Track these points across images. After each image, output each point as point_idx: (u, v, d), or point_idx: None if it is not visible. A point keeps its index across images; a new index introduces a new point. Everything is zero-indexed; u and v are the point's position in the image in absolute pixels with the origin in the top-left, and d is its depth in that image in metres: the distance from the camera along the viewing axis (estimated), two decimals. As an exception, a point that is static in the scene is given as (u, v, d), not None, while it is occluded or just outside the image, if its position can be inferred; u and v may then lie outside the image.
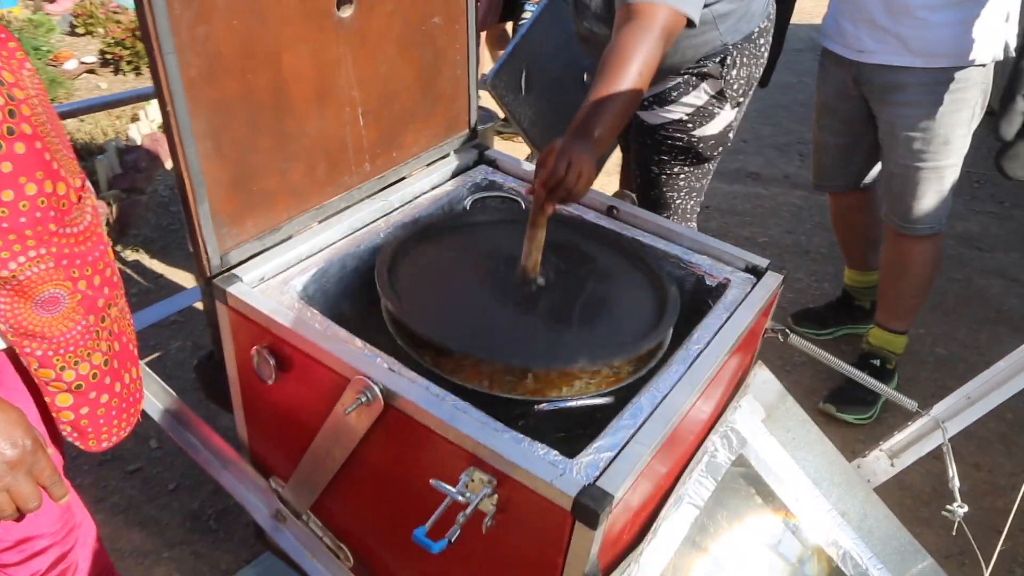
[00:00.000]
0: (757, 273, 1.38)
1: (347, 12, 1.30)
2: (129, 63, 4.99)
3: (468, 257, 1.38)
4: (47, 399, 0.99)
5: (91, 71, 5.04)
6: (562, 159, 1.22)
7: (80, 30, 5.53)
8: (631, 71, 1.31)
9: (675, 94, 1.66)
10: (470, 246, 1.40)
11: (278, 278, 1.27)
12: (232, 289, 1.22)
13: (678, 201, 1.83)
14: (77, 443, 1.04)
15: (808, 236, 3.21)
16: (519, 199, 1.56)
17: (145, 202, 3.38)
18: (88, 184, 1.11)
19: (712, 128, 1.71)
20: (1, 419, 0.89)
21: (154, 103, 4.17)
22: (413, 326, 1.15)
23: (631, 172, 1.98)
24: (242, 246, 1.27)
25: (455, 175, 1.60)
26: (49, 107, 1.02)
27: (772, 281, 1.36)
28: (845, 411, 2.23)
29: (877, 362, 2.30)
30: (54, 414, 1.01)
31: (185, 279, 2.88)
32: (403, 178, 1.53)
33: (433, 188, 1.55)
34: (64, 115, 2.31)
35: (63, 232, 0.95)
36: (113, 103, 2.70)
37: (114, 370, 1.05)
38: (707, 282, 1.40)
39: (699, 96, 1.65)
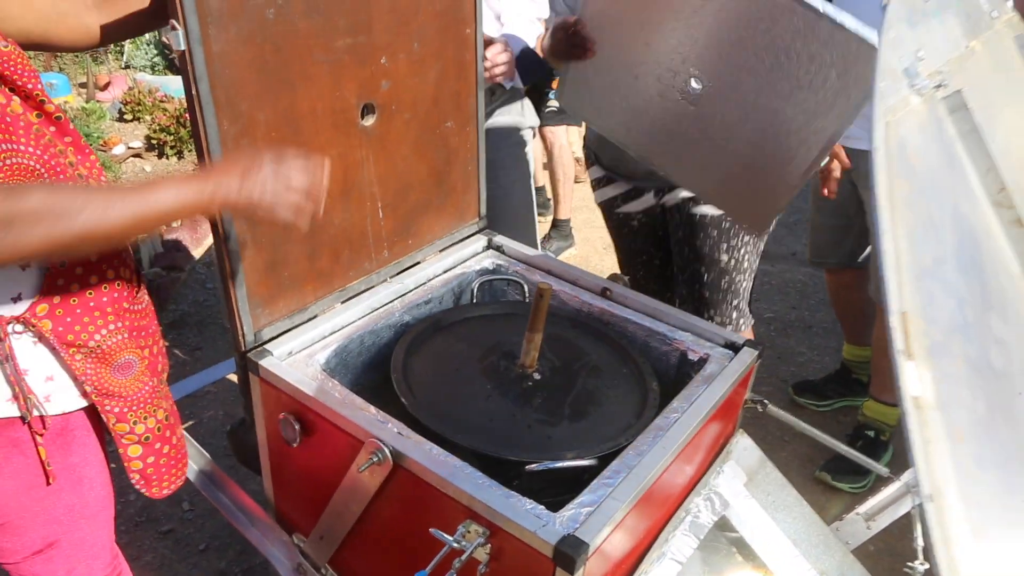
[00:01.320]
0: (735, 349, 1.52)
1: (370, 121, 1.50)
2: (172, 148, 5.34)
3: (473, 350, 1.53)
4: (120, 450, 1.16)
5: (137, 155, 5.39)
6: None
7: (128, 116, 5.92)
8: None
9: None
10: (476, 339, 1.56)
11: (304, 352, 1.44)
12: (264, 362, 1.39)
13: (745, 284, 1.98)
14: (143, 489, 1.21)
15: (812, 312, 3.35)
16: (522, 281, 1.73)
17: (184, 279, 3.61)
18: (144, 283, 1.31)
19: None
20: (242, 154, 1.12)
21: (195, 186, 4.46)
22: (424, 421, 1.29)
23: (677, 277, 2.12)
24: (273, 324, 1.45)
25: (465, 260, 1.78)
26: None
27: (747, 356, 1.50)
28: (840, 480, 2.33)
29: (872, 433, 2.40)
30: (125, 464, 1.18)
31: (219, 352, 3.07)
32: (417, 263, 1.71)
33: (445, 272, 1.73)
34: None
35: (133, 309, 1.13)
36: None
37: (171, 425, 1.22)
38: (689, 356, 1.54)
39: None
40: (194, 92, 1.21)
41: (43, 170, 1.01)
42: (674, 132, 1.73)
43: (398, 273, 1.67)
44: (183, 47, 1.18)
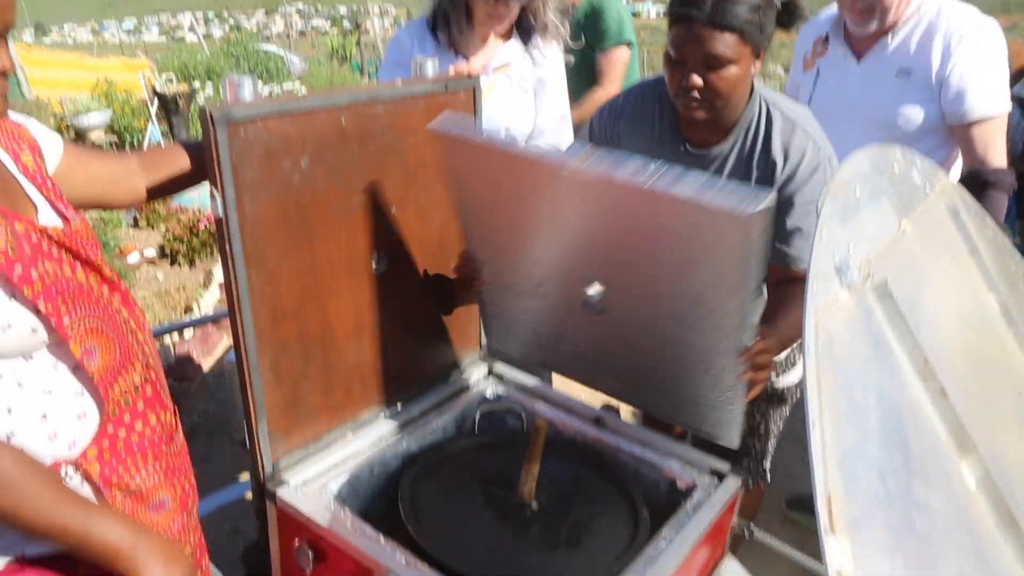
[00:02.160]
0: (720, 476, 1.63)
1: (382, 267, 1.65)
2: (185, 256, 5.54)
3: (475, 480, 1.63)
4: None
5: (151, 263, 5.59)
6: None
7: (142, 223, 6.16)
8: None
9: None
10: (477, 468, 1.66)
11: (318, 482, 1.55)
12: (281, 492, 1.50)
13: (760, 447, 1.98)
14: None
15: (802, 425, 3.43)
16: (521, 412, 1.85)
17: (194, 390, 3.73)
18: (176, 407, 1.43)
19: (794, 376, 1.89)
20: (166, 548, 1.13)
21: (206, 297, 4.63)
22: (430, 551, 1.38)
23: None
24: (290, 454, 1.56)
25: (467, 388, 1.90)
26: (154, 342, 1.36)
27: (732, 485, 1.60)
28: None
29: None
30: None
31: (227, 463, 3.15)
32: (423, 392, 1.84)
33: (448, 399, 1.85)
34: (158, 334, 2.71)
35: (170, 451, 1.25)
36: (196, 323, 3.10)
37: (198, 560, 1.32)
38: (678, 484, 1.65)
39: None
40: (228, 249, 1.37)
41: (106, 328, 1.15)
42: (599, 349, 1.60)
43: (405, 402, 1.80)
44: (221, 214, 1.34)
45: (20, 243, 1.04)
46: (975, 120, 2.03)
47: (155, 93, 7.34)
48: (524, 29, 2.17)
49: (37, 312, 1.06)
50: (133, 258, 5.50)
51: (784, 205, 1.61)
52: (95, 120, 8.02)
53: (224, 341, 4.16)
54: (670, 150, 1.73)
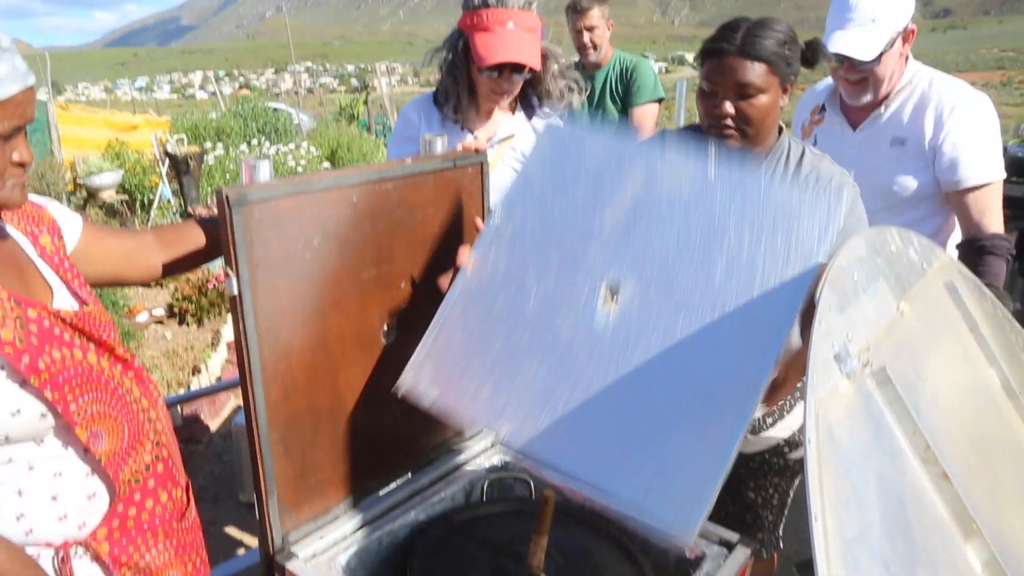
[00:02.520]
0: (729, 547, 1.63)
1: (391, 338, 1.68)
2: (193, 315, 5.58)
3: (484, 551, 1.63)
4: None
5: (159, 322, 5.63)
6: None
7: (151, 282, 6.22)
8: None
9: (769, 420, 1.90)
10: (486, 538, 1.66)
11: (327, 555, 1.55)
12: (290, 565, 1.50)
13: (772, 518, 1.98)
14: None
15: (812, 482, 3.41)
16: (529, 478, 1.86)
17: (201, 451, 3.73)
18: (189, 481, 1.45)
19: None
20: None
21: (214, 358, 4.65)
22: None
23: None
24: (299, 527, 1.57)
25: (475, 456, 1.91)
26: (168, 416, 1.39)
27: (742, 555, 1.60)
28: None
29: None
30: None
31: (234, 528, 3.14)
32: (432, 461, 1.85)
33: (457, 468, 1.86)
34: (170, 404, 2.75)
35: (182, 527, 1.26)
36: (206, 393, 3.13)
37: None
38: (687, 554, 1.64)
39: (797, 417, 1.84)
40: (241, 327, 1.40)
41: (115, 412, 1.18)
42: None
43: (414, 472, 1.81)
44: (236, 292, 1.37)
45: (28, 333, 1.07)
46: (969, 187, 2.08)
47: (167, 153, 7.48)
48: (528, 103, 2.24)
49: (45, 399, 1.09)
50: (142, 317, 5.55)
51: None
52: (107, 180, 8.17)
53: (232, 402, 4.18)
54: None
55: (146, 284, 6.07)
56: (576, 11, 3.72)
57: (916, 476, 0.89)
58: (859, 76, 2.13)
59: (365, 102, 16.38)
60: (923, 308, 1.18)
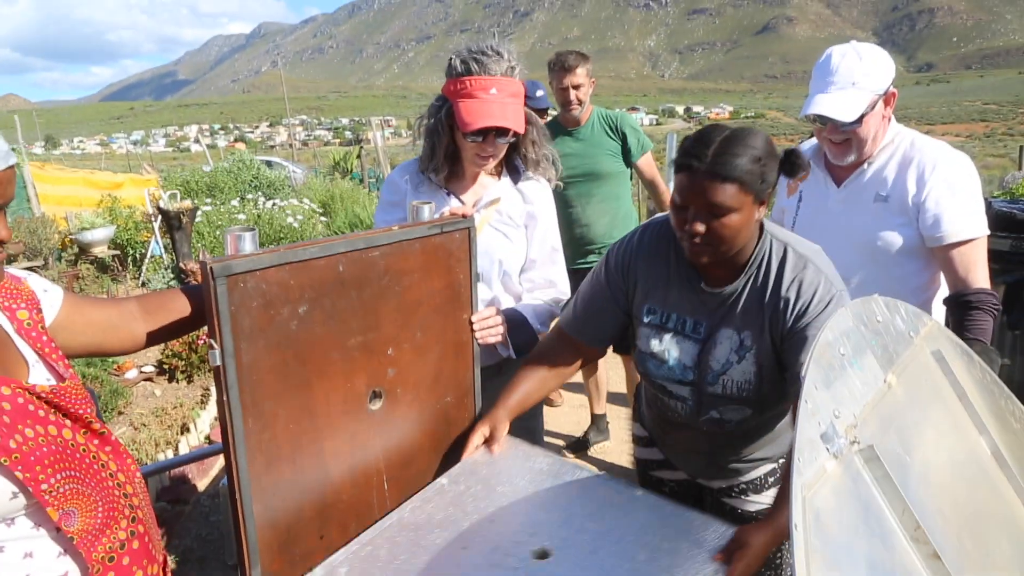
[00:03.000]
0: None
1: (377, 405, 1.67)
2: (183, 372, 5.54)
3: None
4: None
5: (148, 379, 5.58)
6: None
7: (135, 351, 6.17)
8: None
9: (771, 480, 1.93)
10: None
11: (310, 631, 1.51)
12: (272, 641, 1.46)
13: None
14: None
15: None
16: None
17: (188, 512, 3.66)
18: (166, 555, 1.41)
19: None
20: None
21: (203, 416, 4.60)
22: None
23: None
24: (282, 601, 1.53)
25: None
26: (148, 498, 1.36)
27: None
28: None
29: None
30: None
31: (218, 594, 3.07)
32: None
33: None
34: (148, 474, 2.71)
35: None
36: (189, 460, 3.08)
37: None
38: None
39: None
40: (225, 399, 1.39)
41: (89, 489, 1.16)
42: None
43: (400, 540, 1.77)
44: (219, 363, 1.36)
45: (0, 412, 1.06)
46: (954, 243, 2.10)
47: (159, 209, 7.52)
48: (513, 167, 2.25)
49: (16, 479, 1.07)
50: (131, 374, 5.50)
51: (798, 340, 1.65)
52: (99, 236, 8.18)
53: (220, 461, 4.12)
54: (687, 288, 1.79)
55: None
56: (563, 69, 3.78)
57: (906, 558, 0.88)
58: (842, 137, 2.17)
59: (359, 155, 16.55)
60: (911, 379, 1.18)
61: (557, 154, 2.32)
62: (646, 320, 1.87)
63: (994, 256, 4.41)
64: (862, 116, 2.10)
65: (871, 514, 0.87)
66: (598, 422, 4.41)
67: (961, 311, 2.10)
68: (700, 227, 1.59)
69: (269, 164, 16.43)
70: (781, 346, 1.70)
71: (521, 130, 2.05)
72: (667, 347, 1.84)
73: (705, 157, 1.56)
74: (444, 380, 1.84)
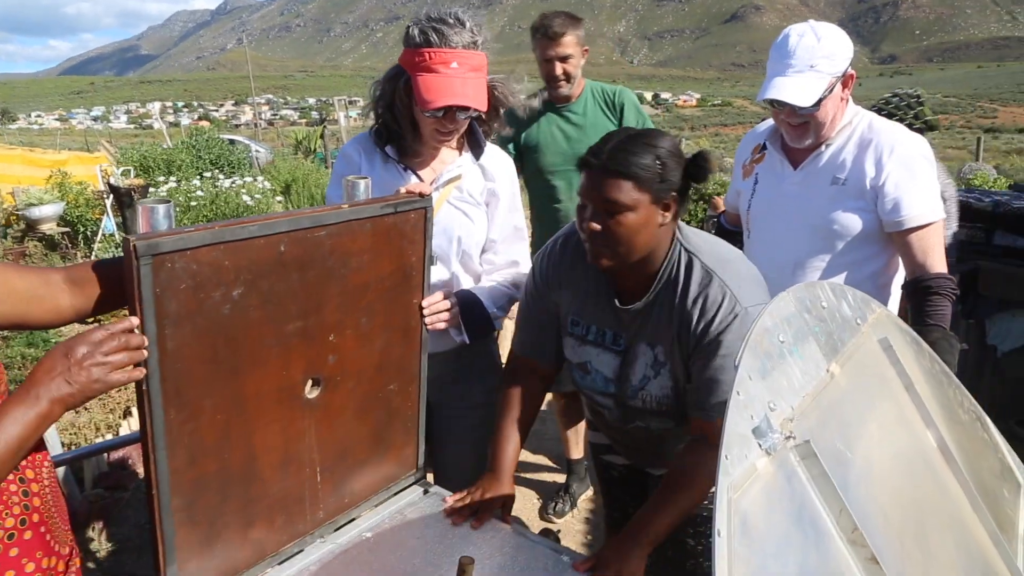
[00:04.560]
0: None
1: (314, 393, 1.59)
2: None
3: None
4: None
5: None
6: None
7: (89, 318, 5.98)
8: (699, 493, 1.56)
9: None
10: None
11: (234, 628, 1.44)
12: (191, 641, 1.38)
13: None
14: None
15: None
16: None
17: (128, 499, 3.54)
18: (76, 549, 1.32)
19: None
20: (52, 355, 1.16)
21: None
22: None
23: None
24: (205, 597, 1.45)
25: (401, 511, 1.81)
26: (56, 486, 1.27)
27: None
28: None
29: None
30: None
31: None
32: (353, 519, 1.74)
33: (380, 525, 1.76)
34: (59, 463, 2.59)
35: None
36: (109, 448, 2.97)
37: None
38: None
39: None
40: (144, 388, 1.29)
41: None
42: None
43: (334, 531, 1.70)
44: (139, 349, 1.26)
45: None
46: (912, 227, 2.07)
47: (110, 186, 7.29)
48: (475, 141, 2.14)
49: None
50: (76, 356, 5.32)
51: (701, 360, 1.61)
52: (47, 212, 7.93)
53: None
54: (605, 305, 1.76)
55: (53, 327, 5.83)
56: (547, 37, 3.09)
57: (843, 561, 0.83)
58: (800, 120, 2.12)
59: (322, 135, 16.28)
60: (856, 368, 1.13)
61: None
62: (571, 331, 1.85)
63: (954, 246, 4.46)
64: (820, 100, 2.05)
65: (805, 515, 0.82)
66: (577, 469, 3.73)
67: (920, 296, 2.08)
68: (596, 225, 1.57)
69: (232, 143, 16.10)
70: (690, 362, 1.66)
71: (483, 108, 1.94)
72: (590, 358, 1.82)
73: (601, 154, 1.55)
74: (389, 367, 1.76)
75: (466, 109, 1.92)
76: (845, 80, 2.10)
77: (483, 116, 2.08)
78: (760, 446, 0.81)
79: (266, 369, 1.48)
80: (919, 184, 2.08)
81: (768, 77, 2.11)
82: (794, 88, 2.04)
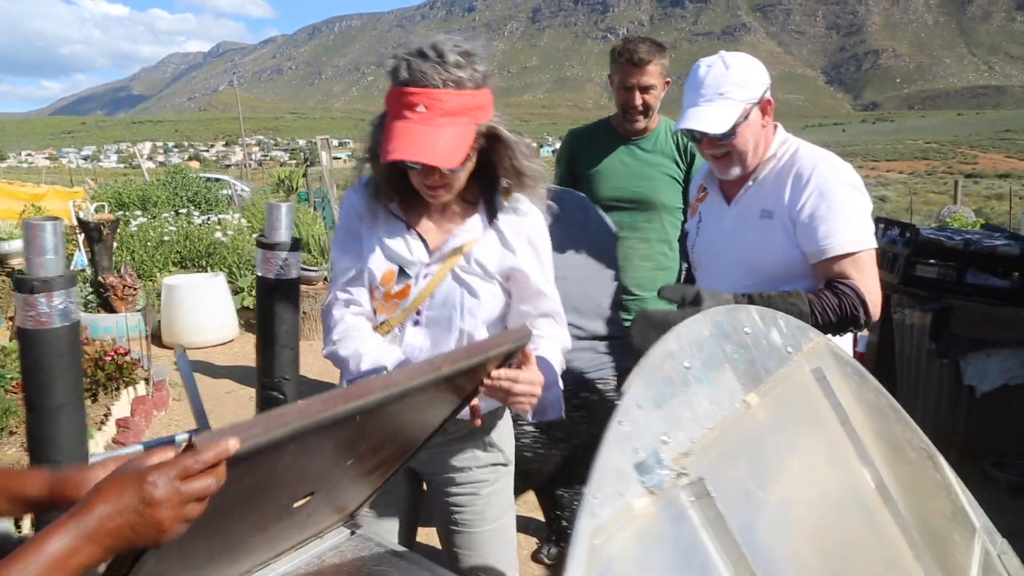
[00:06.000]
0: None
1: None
2: (88, 391, 5.22)
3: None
4: None
5: (51, 399, 5.24)
6: None
7: None
8: None
9: None
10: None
11: None
12: None
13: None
14: None
15: None
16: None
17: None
18: None
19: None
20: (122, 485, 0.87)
21: (98, 438, 4.30)
22: None
23: None
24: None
25: (325, 554, 1.68)
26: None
27: None
28: None
29: None
30: None
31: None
32: (268, 563, 1.61)
33: (295, 572, 1.62)
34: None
35: None
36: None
37: None
38: None
39: None
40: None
41: None
42: None
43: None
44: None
45: None
46: (830, 257, 1.95)
47: (79, 221, 7.19)
48: (489, 200, 1.74)
49: None
50: (31, 393, 5.16)
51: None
52: (16, 247, 7.81)
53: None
54: None
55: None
56: (631, 63, 2.79)
57: (740, 615, 0.72)
58: (721, 151, 2.05)
59: (304, 174, 16.27)
60: (779, 400, 1.03)
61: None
62: None
63: (921, 283, 4.40)
64: (735, 127, 1.97)
65: (694, 563, 0.71)
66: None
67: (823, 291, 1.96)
68: None
69: (218, 180, 16.04)
70: None
71: (447, 164, 1.55)
72: None
73: None
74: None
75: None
76: (763, 106, 2.03)
77: (496, 167, 1.70)
78: (642, 483, 0.70)
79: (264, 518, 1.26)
80: (838, 212, 1.94)
81: (683, 109, 2.04)
82: (705, 116, 1.97)
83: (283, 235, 1.67)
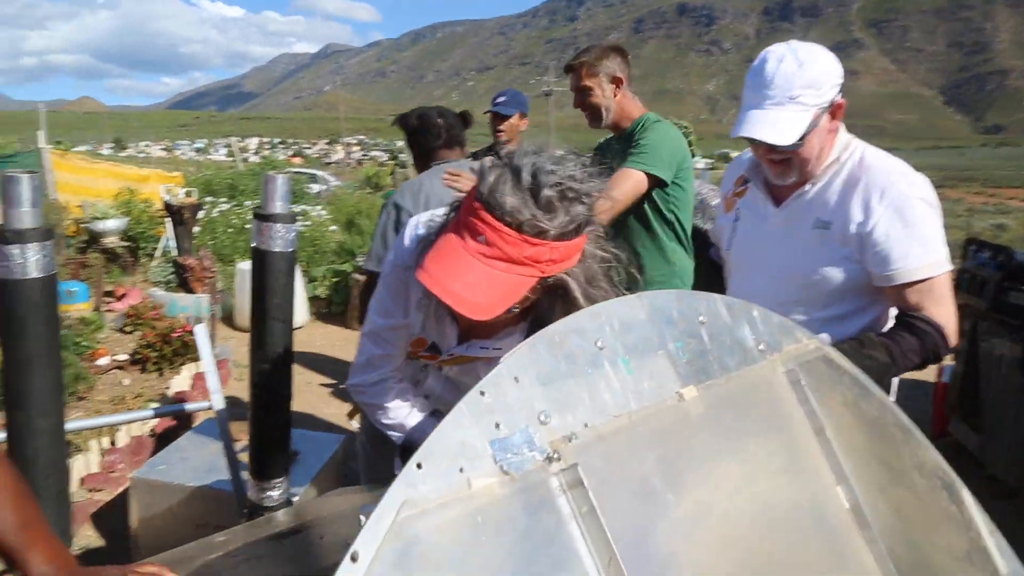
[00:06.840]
0: None
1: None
2: (155, 364, 5.42)
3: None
4: None
5: (120, 367, 5.47)
6: None
7: (128, 328, 6.10)
8: None
9: None
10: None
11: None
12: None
13: None
14: None
15: None
16: None
17: (112, 502, 3.48)
18: None
19: None
20: None
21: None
22: None
23: None
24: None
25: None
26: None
27: None
28: None
29: None
30: None
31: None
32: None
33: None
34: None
35: None
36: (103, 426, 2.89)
37: None
38: None
39: None
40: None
41: None
42: None
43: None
44: None
45: None
46: (905, 283, 1.78)
47: (165, 204, 7.50)
48: (536, 327, 1.34)
49: None
50: (103, 361, 5.40)
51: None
52: (111, 226, 8.20)
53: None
54: None
55: (122, 320, 5.92)
56: (566, 71, 2.92)
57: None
58: (781, 157, 1.84)
59: (391, 174, 16.58)
60: (728, 399, 0.93)
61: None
62: None
63: (1013, 311, 4.06)
64: (803, 135, 1.76)
65: (551, 557, 0.62)
66: None
67: (896, 327, 1.80)
68: None
69: (309, 175, 16.52)
70: None
71: (485, 317, 1.26)
72: None
73: None
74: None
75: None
76: (833, 110, 1.81)
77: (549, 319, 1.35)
78: (496, 461, 0.62)
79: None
80: (914, 232, 1.76)
81: (743, 109, 1.81)
82: (772, 124, 1.75)
83: (279, 207, 1.65)
